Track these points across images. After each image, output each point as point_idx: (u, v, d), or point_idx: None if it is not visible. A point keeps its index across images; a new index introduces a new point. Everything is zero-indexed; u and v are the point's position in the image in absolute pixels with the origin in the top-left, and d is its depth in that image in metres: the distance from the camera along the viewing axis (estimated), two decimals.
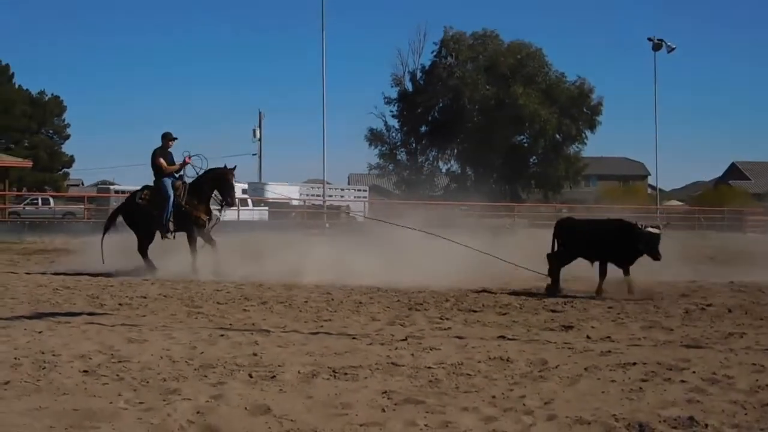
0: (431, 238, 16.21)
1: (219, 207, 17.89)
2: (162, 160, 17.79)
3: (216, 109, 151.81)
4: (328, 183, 60.48)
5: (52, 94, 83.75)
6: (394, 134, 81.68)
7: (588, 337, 9.26)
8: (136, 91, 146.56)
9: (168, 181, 17.69)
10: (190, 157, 17.97)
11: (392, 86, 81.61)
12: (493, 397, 6.43)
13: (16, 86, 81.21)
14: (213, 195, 17.82)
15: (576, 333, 9.60)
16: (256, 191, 58.06)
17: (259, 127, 73.85)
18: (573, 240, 14.19)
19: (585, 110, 77.93)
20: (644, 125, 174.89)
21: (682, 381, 6.94)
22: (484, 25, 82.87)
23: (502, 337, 9.24)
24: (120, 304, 11.94)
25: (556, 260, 14.05)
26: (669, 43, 66.22)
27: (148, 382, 6.84)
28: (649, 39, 66.58)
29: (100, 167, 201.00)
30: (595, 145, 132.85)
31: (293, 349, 8.41)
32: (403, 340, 8.99)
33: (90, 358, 7.74)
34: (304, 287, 14.27)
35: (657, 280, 14.94)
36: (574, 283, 14.26)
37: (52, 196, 62.57)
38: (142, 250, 17.69)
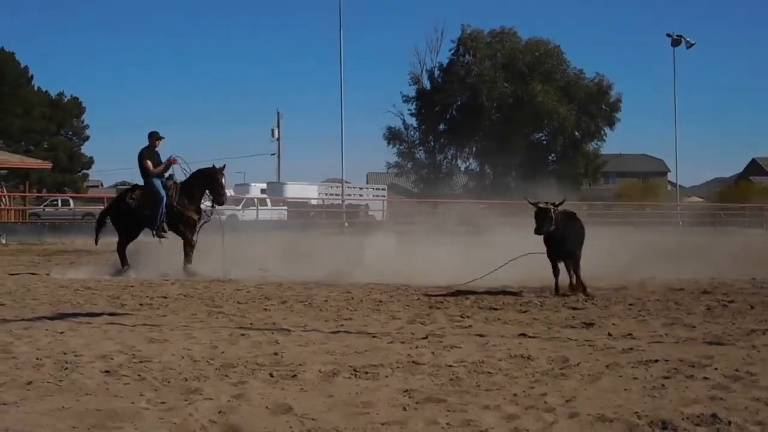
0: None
1: (211, 206, 18.01)
2: (148, 162, 17.91)
3: (235, 109, 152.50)
4: (346, 182, 60.55)
5: (71, 96, 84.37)
6: (412, 133, 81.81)
7: (609, 334, 9.22)
8: (154, 92, 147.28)
9: (158, 182, 17.82)
10: (174, 158, 18.08)
11: (410, 84, 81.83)
12: (515, 395, 6.42)
13: (35, 88, 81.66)
14: (204, 195, 17.96)
15: (597, 330, 9.56)
16: (275, 191, 58.18)
17: (278, 126, 74.07)
18: None
19: (604, 107, 77.83)
20: (664, 122, 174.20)
21: (705, 378, 6.90)
22: (502, 23, 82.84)
23: (523, 334, 9.22)
24: (141, 305, 12.00)
25: None
26: (688, 39, 65.96)
27: (169, 381, 6.86)
28: (668, 35, 66.40)
29: (119, 168, 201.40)
30: (615, 142, 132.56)
31: (314, 348, 8.41)
32: (423, 338, 8.98)
33: (111, 359, 7.77)
34: (324, 286, 14.30)
35: (678, 277, 14.90)
36: (600, 282, 14.22)
37: (71, 197, 62.89)
38: (121, 249, 17.98)
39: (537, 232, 12.98)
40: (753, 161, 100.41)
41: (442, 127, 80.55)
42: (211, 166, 17.88)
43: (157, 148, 18.22)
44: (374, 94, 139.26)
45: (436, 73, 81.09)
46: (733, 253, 21.64)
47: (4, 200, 49.53)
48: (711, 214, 60.43)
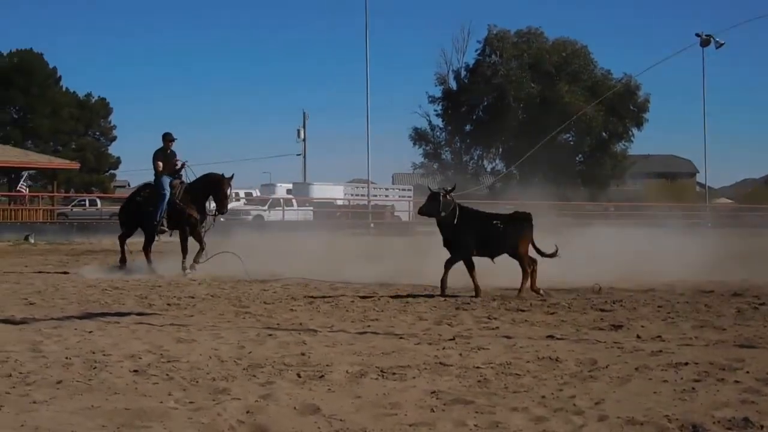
0: None
1: (213, 213, 18.26)
2: (159, 163, 18.30)
3: (261, 109, 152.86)
4: (372, 183, 60.57)
5: (99, 97, 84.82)
6: (438, 133, 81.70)
7: (638, 336, 9.17)
8: (181, 92, 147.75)
9: (166, 180, 18.13)
10: (184, 164, 18.51)
11: (436, 85, 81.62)
12: (543, 397, 6.39)
13: (64, 89, 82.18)
14: (209, 199, 18.20)
15: (626, 332, 9.51)
16: (301, 191, 58.25)
17: (303, 127, 74.10)
18: None
19: (631, 107, 77.38)
20: (692, 122, 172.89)
21: (736, 381, 6.85)
22: (528, 23, 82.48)
23: (551, 336, 9.18)
24: (168, 305, 12.05)
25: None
26: (717, 39, 65.47)
27: (197, 381, 6.88)
28: (697, 35, 65.83)
29: (146, 168, 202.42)
30: (642, 143, 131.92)
31: (341, 348, 8.42)
32: (450, 339, 8.97)
33: (140, 358, 7.81)
34: (351, 286, 14.31)
35: (708, 279, 14.81)
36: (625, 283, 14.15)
37: (99, 197, 63.25)
38: (122, 241, 18.61)
39: (419, 211, 13.87)
40: None
41: (468, 127, 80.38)
42: (220, 173, 18.05)
43: (170, 149, 18.62)
44: (400, 95, 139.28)
45: (463, 73, 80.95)
46: (763, 254, 21.42)
47: (27, 199, 49.88)
48: (739, 215, 59.98)
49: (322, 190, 59.50)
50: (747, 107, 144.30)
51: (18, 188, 51.95)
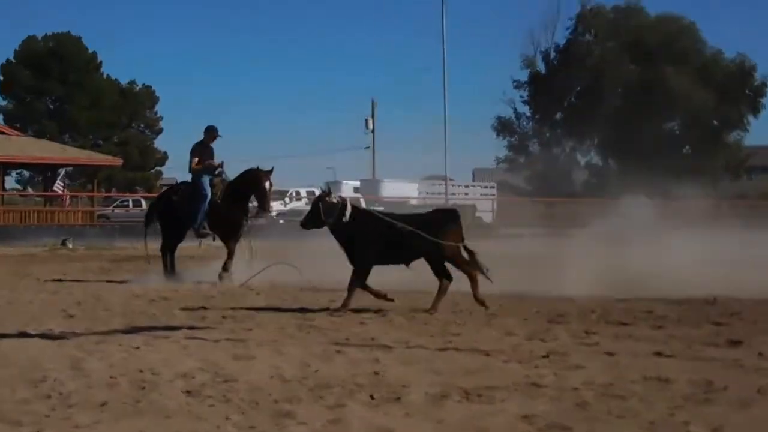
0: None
1: (256, 212, 18.38)
2: (195, 160, 18.54)
3: (323, 97, 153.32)
4: (450, 179, 60.52)
5: (143, 84, 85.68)
6: (525, 123, 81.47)
7: (760, 353, 9.02)
8: (234, 80, 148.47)
9: (206, 179, 18.21)
10: (221, 163, 18.76)
11: (522, 68, 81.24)
12: (652, 422, 6.32)
13: (104, 76, 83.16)
14: (249, 199, 18.35)
15: (745, 349, 9.36)
16: (370, 189, 58.32)
17: (372, 117, 74.21)
18: None
19: (747, 92, 76.33)
20: None
21: None
22: None
23: (659, 353, 9.08)
24: (223, 317, 12.14)
25: None
26: None
27: (257, 403, 6.92)
28: None
29: None
30: (761, 132, 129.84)
31: (419, 367, 8.41)
32: (543, 357, 8.92)
33: (193, 377, 7.87)
34: (428, 296, 14.27)
35: None
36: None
37: (144, 197, 63.71)
38: (165, 250, 18.60)
39: (300, 224, 13.54)
40: None
41: (559, 115, 80.00)
42: (256, 167, 18.20)
43: (210, 145, 18.87)
44: (481, 80, 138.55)
45: (552, 54, 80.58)
46: None
47: (66, 200, 50.68)
48: None
49: (393, 188, 59.49)
50: None
51: (54, 187, 52.70)
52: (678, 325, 11.22)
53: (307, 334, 10.65)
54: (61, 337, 10.32)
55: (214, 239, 18.71)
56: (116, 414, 6.60)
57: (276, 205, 53.88)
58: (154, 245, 19.13)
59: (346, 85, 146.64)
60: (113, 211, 57.10)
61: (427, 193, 62.05)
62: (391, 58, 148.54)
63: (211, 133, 18.84)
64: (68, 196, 51.51)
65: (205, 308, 13.10)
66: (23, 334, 10.54)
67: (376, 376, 7.94)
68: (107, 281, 18.18)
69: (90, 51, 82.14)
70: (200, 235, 18.47)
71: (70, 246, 34.63)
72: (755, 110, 77.46)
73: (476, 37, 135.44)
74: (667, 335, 10.43)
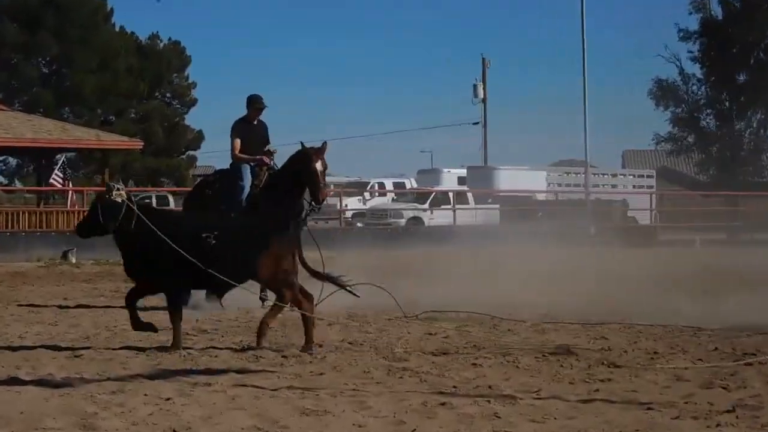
0: None
1: (309, 207, 18.25)
2: (237, 141, 18.72)
3: (417, 56, 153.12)
4: (592, 166, 60.18)
5: (170, 39, 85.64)
6: (695, 87, 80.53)
7: None
8: (292, 32, 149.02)
9: (247, 166, 18.48)
10: (271, 154, 18.86)
11: (691, 13, 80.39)
12: None
13: (117, 29, 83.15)
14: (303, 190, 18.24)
15: None
16: (480, 179, 58.13)
17: (483, 82, 73.88)
18: None
19: None
20: None
21: None
22: None
23: None
24: (284, 356, 12.23)
25: None
26: None
27: None
28: None
29: None
30: None
31: (555, 424, 8.44)
32: (729, 411, 8.86)
33: None
34: (566, 328, 14.24)
35: None
36: None
37: (171, 191, 64.07)
38: None
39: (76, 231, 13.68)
40: None
41: (742, 77, 79.09)
42: (300, 146, 18.05)
43: (257, 120, 19.10)
44: (633, 31, 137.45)
45: None
46: None
47: (70, 197, 51.08)
48: None
49: (512, 178, 59.15)
50: None
51: (51, 180, 52.95)
52: None
53: (400, 379, 10.69)
54: (65, 384, 10.43)
55: None
56: None
57: (352, 202, 54.30)
58: None
59: (447, 38, 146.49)
60: None
61: (560, 184, 61.63)
62: (508, 12, 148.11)
63: (254, 104, 18.98)
64: (70, 192, 51.87)
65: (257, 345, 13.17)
66: (14, 381, 10.67)
67: None
68: (123, 307, 18.31)
69: None
70: None
71: (74, 260, 34.90)
72: None
73: None
74: None
